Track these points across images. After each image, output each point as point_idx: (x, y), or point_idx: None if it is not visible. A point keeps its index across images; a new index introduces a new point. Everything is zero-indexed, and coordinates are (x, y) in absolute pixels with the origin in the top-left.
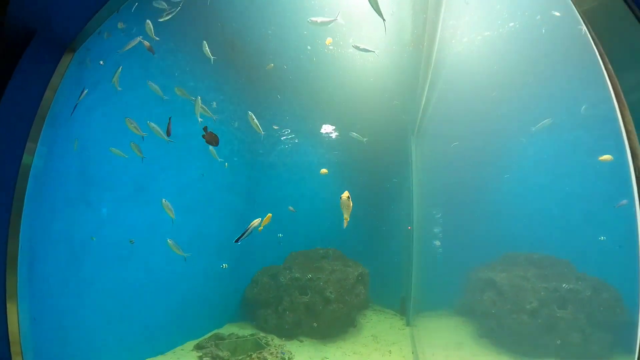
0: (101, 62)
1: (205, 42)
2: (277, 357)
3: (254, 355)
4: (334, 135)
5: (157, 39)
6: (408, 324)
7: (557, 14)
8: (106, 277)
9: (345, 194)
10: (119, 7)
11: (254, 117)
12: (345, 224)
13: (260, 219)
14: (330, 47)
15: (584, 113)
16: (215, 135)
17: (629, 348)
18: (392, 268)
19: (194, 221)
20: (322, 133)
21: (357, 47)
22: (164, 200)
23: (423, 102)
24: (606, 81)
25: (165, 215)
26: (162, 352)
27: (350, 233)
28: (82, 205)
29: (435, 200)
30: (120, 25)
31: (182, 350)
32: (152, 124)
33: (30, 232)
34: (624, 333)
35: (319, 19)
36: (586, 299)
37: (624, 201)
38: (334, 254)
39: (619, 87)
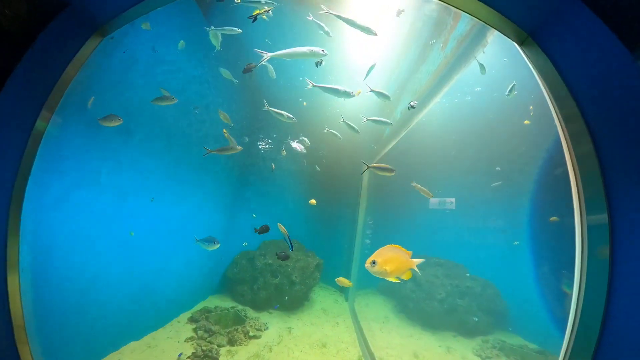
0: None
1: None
2: (255, 328)
3: (239, 329)
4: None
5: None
6: (346, 299)
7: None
8: (115, 262)
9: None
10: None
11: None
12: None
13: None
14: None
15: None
16: (267, 227)
17: (504, 327)
18: (336, 256)
19: (185, 209)
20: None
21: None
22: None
23: (387, 148)
24: None
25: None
26: (162, 325)
27: (308, 229)
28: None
29: (371, 209)
30: (145, 25)
31: (178, 322)
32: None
33: (35, 208)
34: (500, 317)
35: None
36: (477, 293)
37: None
38: (297, 245)
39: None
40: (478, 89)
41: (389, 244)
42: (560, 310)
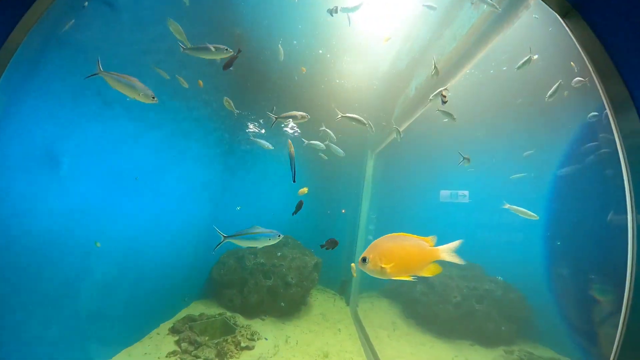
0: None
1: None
2: (247, 337)
3: (229, 340)
4: (296, 133)
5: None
6: (348, 304)
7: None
8: (69, 269)
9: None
10: None
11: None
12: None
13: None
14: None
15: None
16: (335, 241)
17: (529, 337)
18: (335, 256)
19: (162, 204)
20: (286, 132)
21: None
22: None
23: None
24: None
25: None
26: (139, 338)
27: (305, 224)
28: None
29: (375, 203)
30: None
31: (158, 334)
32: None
33: None
34: (526, 324)
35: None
36: (497, 297)
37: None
38: (292, 242)
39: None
40: (503, 67)
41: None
42: (580, 318)
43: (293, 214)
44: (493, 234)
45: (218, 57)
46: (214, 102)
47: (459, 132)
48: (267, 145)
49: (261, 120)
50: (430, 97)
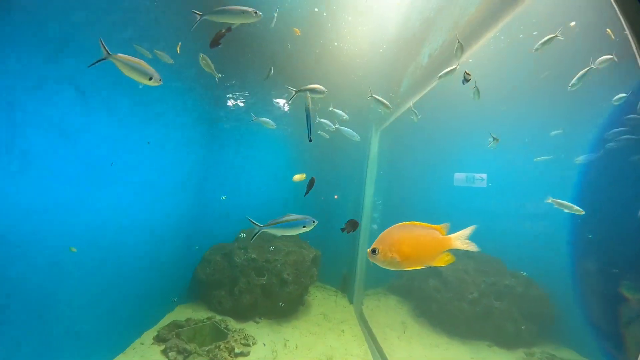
0: None
1: None
2: (241, 343)
3: (221, 346)
4: (286, 107)
5: None
6: (351, 302)
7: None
8: (34, 280)
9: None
10: None
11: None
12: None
13: None
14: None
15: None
16: (356, 222)
17: (554, 338)
18: (335, 247)
19: (137, 197)
20: (278, 106)
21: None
22: None
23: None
24: None
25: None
26: (121, 350)
27: (299, 212)
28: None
29: (380, 187)
30: None
31: (142, 344)
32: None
33: None
34: (548, 324)
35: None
36: (518, 293)
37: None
38: (288, 235)
39: None
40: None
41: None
42: (607, 318)
43: (305, 195)
44: (514, 223)
45: (243, 21)
46: (193, 74)
47: (479, 107)
48: (271, 124)
49: (246, 93)
50: (440, 75)
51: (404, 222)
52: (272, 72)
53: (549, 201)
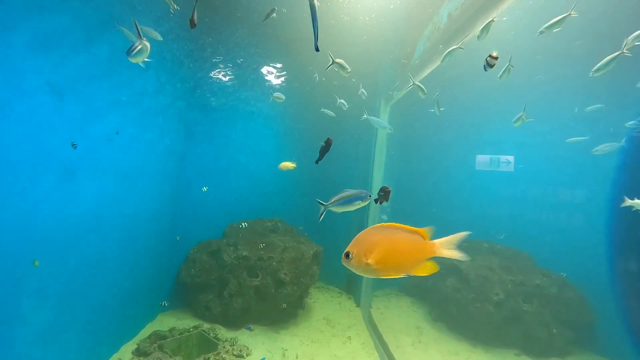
0: None
1: None
2: (234, 354)
3: (211, 358)
4: (280, 80)
5: None
6: (358, 304)
7: None
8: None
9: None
10: None
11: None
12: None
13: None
14: None
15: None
16: (388, 190)
17: (588, 346)
18: (338, 242)
19: (110, 193)
20: (266, 80)
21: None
22: None
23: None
24: None
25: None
26: None
27: (296, 201)
28: None
29: (390, 172)
30: None
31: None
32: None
33: None
34: (585, 331)
35: None
36: (551, 295)
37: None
38: (283, 227)
39: None
40: None
41: (410, 222)
42: None
43: (317, 162)
44: (546, 214)
45: None
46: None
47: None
48: (281, 97)
49: (240, 60)
50: (443, 60)
51: (384, 224)
52: (274, 13)
53: (626, 204)
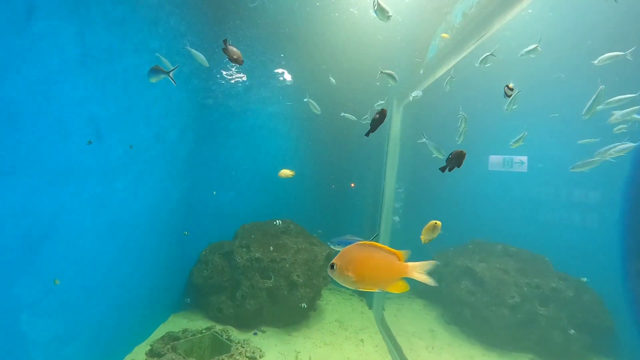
0: None
1: None
2: (247, 356)
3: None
4: (288, 78)
5: None
6: (371, 307)
7: None
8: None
9: None
10: None
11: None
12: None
13: None
14: None
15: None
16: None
17: (606, 352)
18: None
19: (121, 195)
20: (278, 78)
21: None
22: None
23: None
24: None
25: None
26: None
27: (309, 202)
28: None
29: (403, 173)
30: None
31: None
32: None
33: None
34: (603, 336)
35: None
36: (568, 299)
37: None
38: (295, 229)
39: None
40: None
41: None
42: None
43: (367, 134)
44: (562, 215)
45: None
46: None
47: (529, 73)
48: (317, 108)
49: (254, 60)
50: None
51: (365, 242)
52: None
53: None
